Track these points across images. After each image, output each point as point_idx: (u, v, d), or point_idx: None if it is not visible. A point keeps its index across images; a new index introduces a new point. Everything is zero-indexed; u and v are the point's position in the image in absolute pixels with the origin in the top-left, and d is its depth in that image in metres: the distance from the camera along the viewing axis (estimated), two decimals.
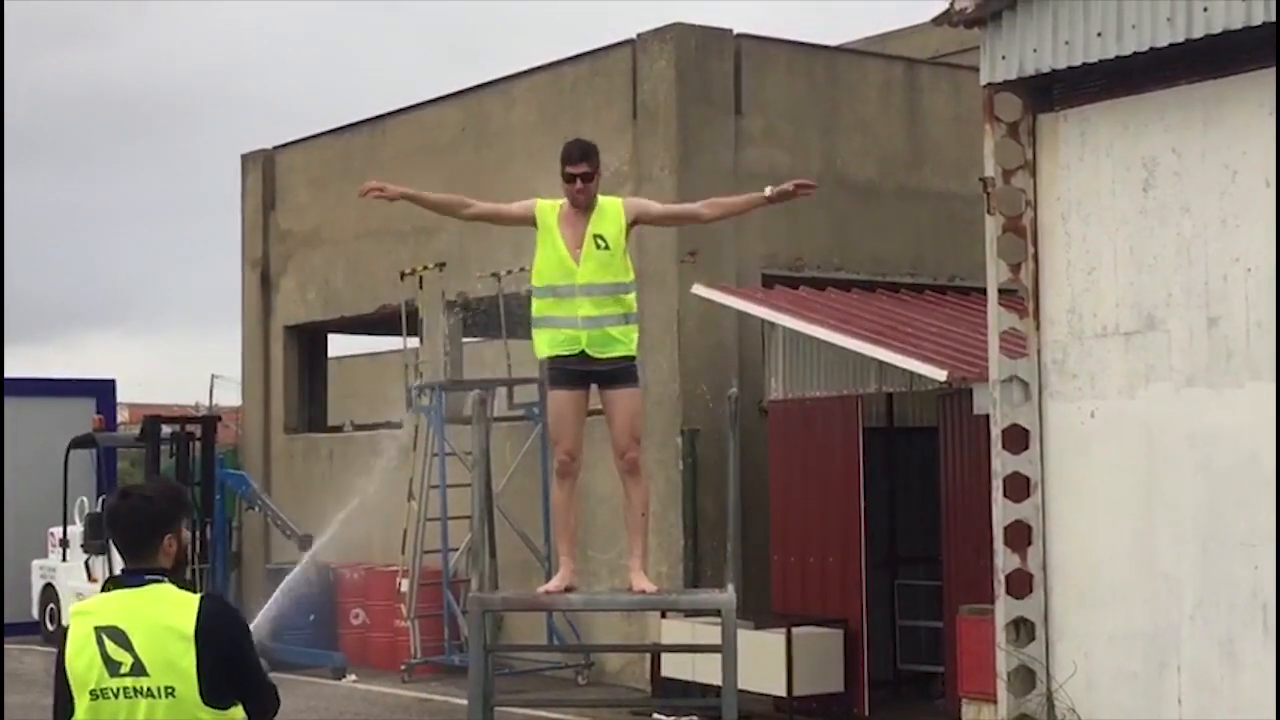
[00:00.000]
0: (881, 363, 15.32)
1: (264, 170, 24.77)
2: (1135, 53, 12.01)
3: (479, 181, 20.57)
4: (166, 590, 5.13)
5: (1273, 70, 11.49)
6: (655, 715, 15.93)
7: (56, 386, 26.13)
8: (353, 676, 19.51)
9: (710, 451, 17.54)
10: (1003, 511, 12.87)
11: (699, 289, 17.11)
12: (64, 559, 23.27)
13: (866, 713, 15.58)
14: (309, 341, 25.02)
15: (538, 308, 8.53)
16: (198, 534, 19.85)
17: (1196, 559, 11.97)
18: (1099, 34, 12.20)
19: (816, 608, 16.03)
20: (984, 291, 13.43)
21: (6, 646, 21.15)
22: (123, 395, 29.58)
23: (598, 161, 8.54)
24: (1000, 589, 12.86)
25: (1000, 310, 13.01)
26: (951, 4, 13.08)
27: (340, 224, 23.18)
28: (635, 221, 8.57)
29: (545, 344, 8.52)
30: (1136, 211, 12.39)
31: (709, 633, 14.47)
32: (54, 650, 5.32)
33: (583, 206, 8.48)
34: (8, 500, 23.76)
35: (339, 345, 29.28)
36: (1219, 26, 11.50)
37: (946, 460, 15.29)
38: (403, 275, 20.40)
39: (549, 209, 8.54)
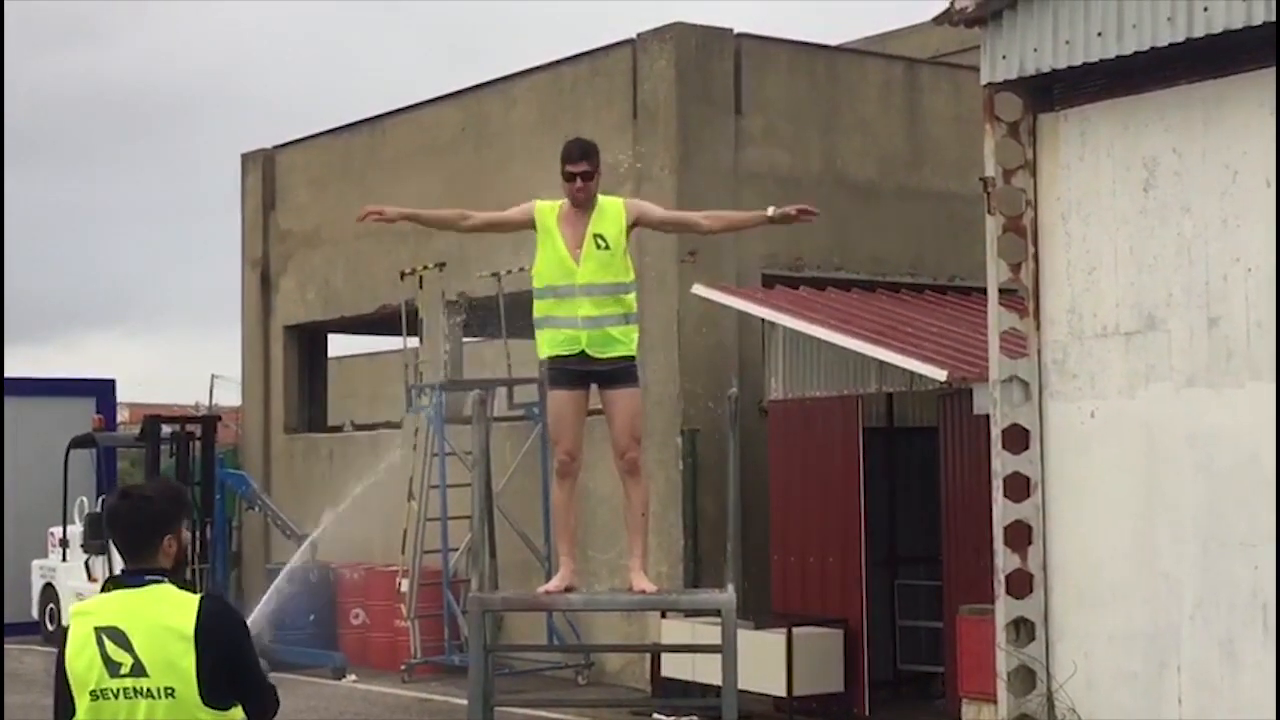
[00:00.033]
0: (882, 363, 15.32)
1: (264, 170, 24.78)
2: (1136, 52, 12.01)
3: (479, 182, 20.59)
4: (166, 591, 5.13)
5: (1273, 70, 11.49)
6: (655, 715, 15.93)
7: (56, 386, 26.12)
8: (353, 676, 19.51)
9: (710, 451, 17.54)
10: (1003, 511, 12.87)
11: (699, 289, 17.10)
12: (64, 559, 23.27)
13: (866, 713, 15.58)
14: (309, 341, 25.02)
15: (538, 308, 8.54)
16: (197, 534, 19.85)
17: (1197, 559, 11.96)
18: (1099, 34, 12.20)
19: (816, 608, 16.03)
20: (984, 291, 13.42)
21: (6, 646, 21.15)
22: (123, 395, 29.60)
23: (598, 160, 8.54)
24: (1000, 589, 12.86)
25: (1000, 310, 13.00)
26: (952, 3, 13.07)
27: (340, 224, 23.17)
28: (635, 223, 8.56)
29: (546, 344, 8.53)
30: (1137, 211, 12.38)
31: (709, 633, 14.47)
32: (54, 650, 5.32)
33: (583, 205, 8.48)
34: (8, 500, 23.76)
35: (339, 345, 29.29)
36: (1219, 26, 11.50)
37: (947, 460, 15.28)
38: (403, 275, 20.39)
39: (548, 210, 8.54)
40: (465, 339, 21.69)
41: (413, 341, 20.90)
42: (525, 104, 20.22)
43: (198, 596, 5.13)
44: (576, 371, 8.48)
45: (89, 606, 5.17)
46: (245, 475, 22.74)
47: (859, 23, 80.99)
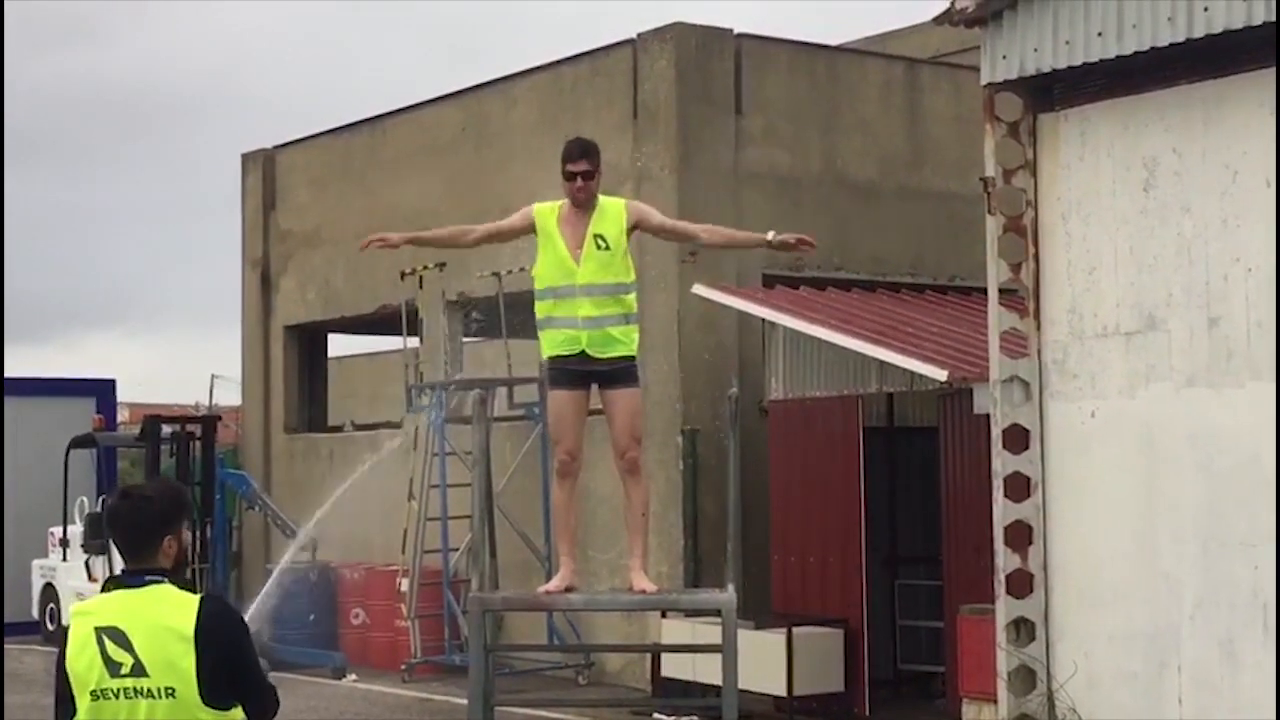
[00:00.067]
0: (882, 362, 15.32)
1: (264, 170, 24.78)
2: (1136, 52, 12.01)
3: (479, 181, 20.60)
4: (166, 591, 5.13)
5: (1273, 70, 11.49)
6: (656, 715, 15.93)
7: (57, 386, 26.12)
8: (353, 676, 19.51)
9: (710, 451, 17.54)
10: (1003, 511, 12.87)
11: (699, 289, 17.11)
12: (64, 559, 23.27)
13: (867, 712, 15.58)
14: (309, 341, 25.03)
15: (540, 309, 8.56)
16: (198, 534, 19.85)
17: (1197, 559, 11.96)
18: (1099, 34, 12.20)
19: (817, 607, 16.03)
20: (984, 291, 13.42)
21: (7, 646, 21.15)
22: (123, 395, 29.59)
23: (598, 160, 8.54)
24: (1001, 589, 12.86)
25: (1001, 310, 13.00)
26: (952, 3, 13.07)
27: (341, 224, 23.18)
28: (635, 226, 8.57)
29: (547, 344, 8.56)
30: (1137, 211, 12.38)
31: (709, 632, 14.47)
32: (54, 650, 5.33)
33: (583, 205, 8.49)
34: (8, 500, 23.76)
35: (339, 345, 29.30)
36: (1219, 26, 11.50)
37: (947, 460, 15.29)
38: (403, 275, 20.39)
39: (547, 212, 8.55)
40: (466, 339, 21.72)
41: (413, 341, 20.91)
42: (526, 104, 20.23)
43: (198, 597, 5.13)
44: (577, 371, 8.49)
45: (89, 606, 5.17)
46: (245, 475, 22.74)
47: (859, 23, 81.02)
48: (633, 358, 8.54)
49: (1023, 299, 13.00)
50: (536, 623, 18.35)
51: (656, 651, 16.19)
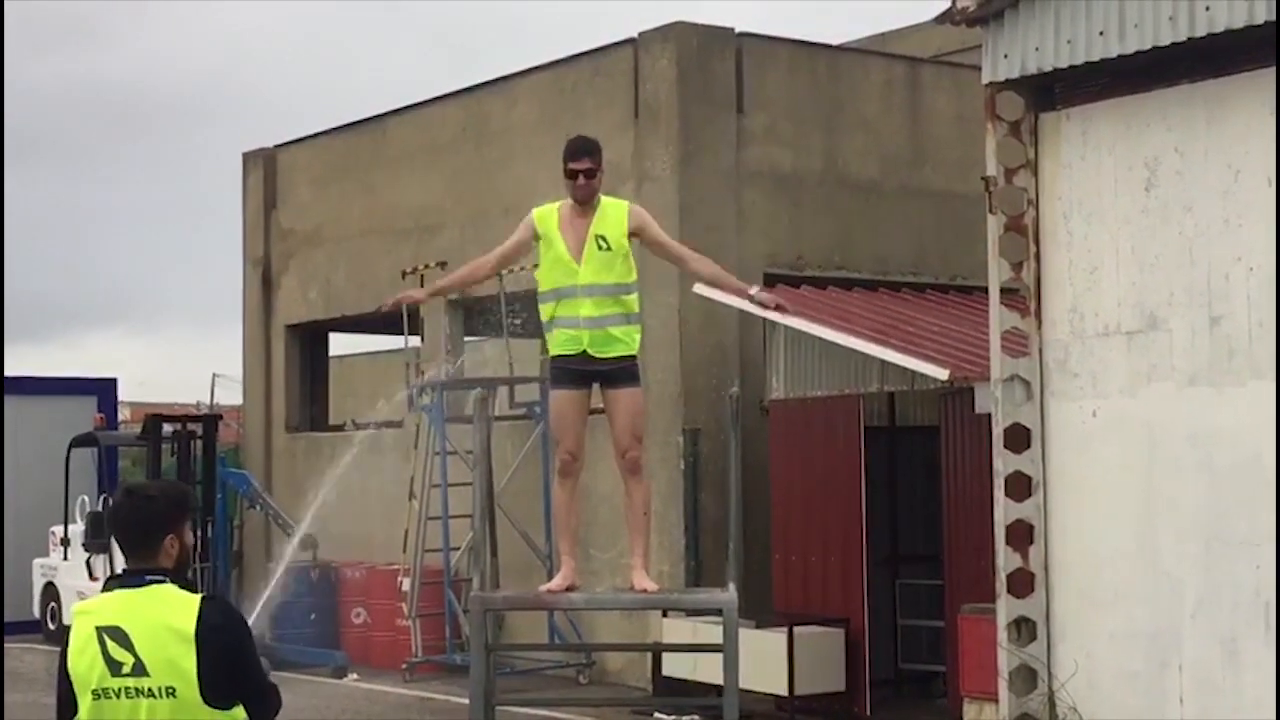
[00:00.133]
0: (883, 362, 15.31)
1: (265, 169, 24.78)
2: (1137, 52, 12.01)
3: (480, 181, 20.61)
4: (167, 590, 5.12)
5: (1275, 69, 11.48)
6: (656, 714, 15.93)
7: (58, 385, 26.13)
8: (354, 675, 19.52)
9: (712, 451, 17.54)
10: (1004, 511, 12.87)
11: (701, 288, 17.02)
12: (65, 558, 23.27)
13: (868, 712, 15.58)
14: (310, 340, 25.03)
15: (544, 311, 8.57)
16: (199, 533, 19.85)
17: (1198, 558, 11.96)
18: (1101, 33, 12.19)
19: (818, 607, 16.03)
20: (986, 291, 13.42)
21: (8, 645, 21.16)
22: (124, 394, 29.62)
23: (600, 158, 8.54)
24: (1002, 588, 12.85)
25: (1002, 309, 13.00)
26: (953, 3, 13.07)
27: (342, 223, 23.19)
28: (635, 233, 8.56)
29: (550, 345, 8.58)
30: (1138, 211, 12.38)
31: (710, 632, 14.47)
32: (55, 649, 5.34)
33: (585, 203, 8.50)
34: (9, 499, 23.77)
35: (340, 344, 29.28)
36: (1221, 25, 11.49)
37: (948, 459, 15.28)
38: (404, 274, 20.40)
39: (547, 215, 8.56)
40: (466, 338, 21.72)
41: (414, 340, 20.91)
42: (527, 103, 20.22)
43: (198, 596, 5.13)
44: (578, 371, 8.49)
45: (91, 606, 5.17)
46: (247, 474, 22.74)
47: (860, 22, 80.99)
48: (634, 357, 8.55)
49: (1024, 298, 13.00)
50: (537, 622, 18.35)
51: (657, 651, 16.19)
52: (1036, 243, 12.93)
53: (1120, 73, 12.38)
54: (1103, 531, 12.54)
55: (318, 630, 20.75)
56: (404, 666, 19.18)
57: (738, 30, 18.76)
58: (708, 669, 14.43)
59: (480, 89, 21.04)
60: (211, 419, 21.95)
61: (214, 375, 33.56)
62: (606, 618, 17.99)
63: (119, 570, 5.38)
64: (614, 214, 8.53)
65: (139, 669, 5.00)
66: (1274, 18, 11.21)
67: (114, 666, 5.01)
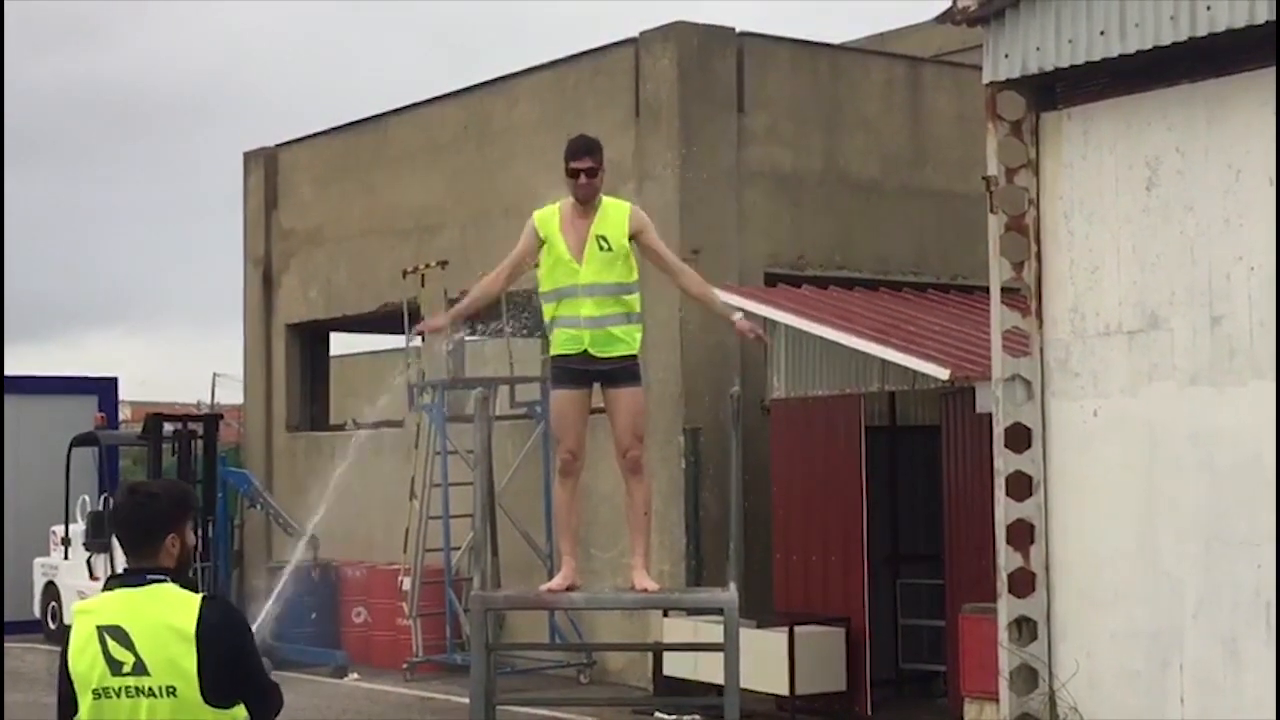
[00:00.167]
0: (884, 361, 15.31)
1: (266, 168, 24.78)
2: (1138, 51, 12.01)
3: (481, 180, 20.60)
4: (168, 590, 5.12)
5: (1275, 69, 11.48)
6: (657, 714, 15.93)
7: (58, 384, 26.13)
8: (355, 675, 19.52)
9: (712, 450, 17.53)
10: (1005, 510, 12.87)
11: None
12: (66, 557, 23.26)
13: (869, 712, 15.58)
14: (311, 340, 25.03)
15: (546, 311, 8.59)
16: (199, 532, 19.84)
17: (1199, 558, 11.96)
18: (1102, 32, 12.19)
19: (819, 606, 16.03)
20: (987, 290, 13.42)
21: (8, 645, 21.16)
22: (125, 393, 29.61)
23: (602, 157, 8.55)
24: (1002, 588, 12.85)
25: (1003, 309, 13.00)
26: (954, 2, 13.07)
27: (343, 222, 23.20)
28: (634, 236, 8.56)
29: (552, 344, 8.59)
30: (1139, 210, 12.38)
31: (711, 631, 14.46)
32: (55, 648, 5.34)
33: (586, 202, 8.50)
34: (10, 498, 23.77)
35: (341, 343, 29.28)
36: (1222, 25, 11.49)
37: (949, 459, 15.28)
38: (405, 273, 20.41)
39: (548, 218, 8.57)
40: (468, 337, 21.70)
41: (415, 340, 20.90)
42: (527, 103, 20.22)
43: (199, 596, 5.13)
44: (579, 370, 8.50)
45: (91, 605, 5.17)
46: (247, 473, 22.74)
47: (861, 22, 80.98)
48: (635, 357, 8.56)
49: (1025, 298, 13.00)
50: (538, 621, 18.35)
51: (658, 650, 16.19)
52: (1037, 242, 12.92)
53: (1121, 72, 12.38)
54: (1104, 531, 12.54)
55: (318, 630, 20.75)
56: (405, 666, 19.18)
57: (738, 30, 18.75)
58: (708, 668, 14.44)
59: (481, 89, 21.04)
60: (212, 418, 21.95)
61: (215, 375, 33.59)
62: (607, 617, 17.99)
63: (120, 569, 5.38)
64: (615, 215, 8.54)
65: (140, 668, 5.00)
66: (1274, 17, 11.21)
67: (115, 666, 5.01)
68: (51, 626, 23.33)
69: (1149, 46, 11.92)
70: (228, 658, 5.06)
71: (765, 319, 16.70)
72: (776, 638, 15.28)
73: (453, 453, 19.00)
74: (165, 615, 5.05)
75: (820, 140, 19.12)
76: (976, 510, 14.33)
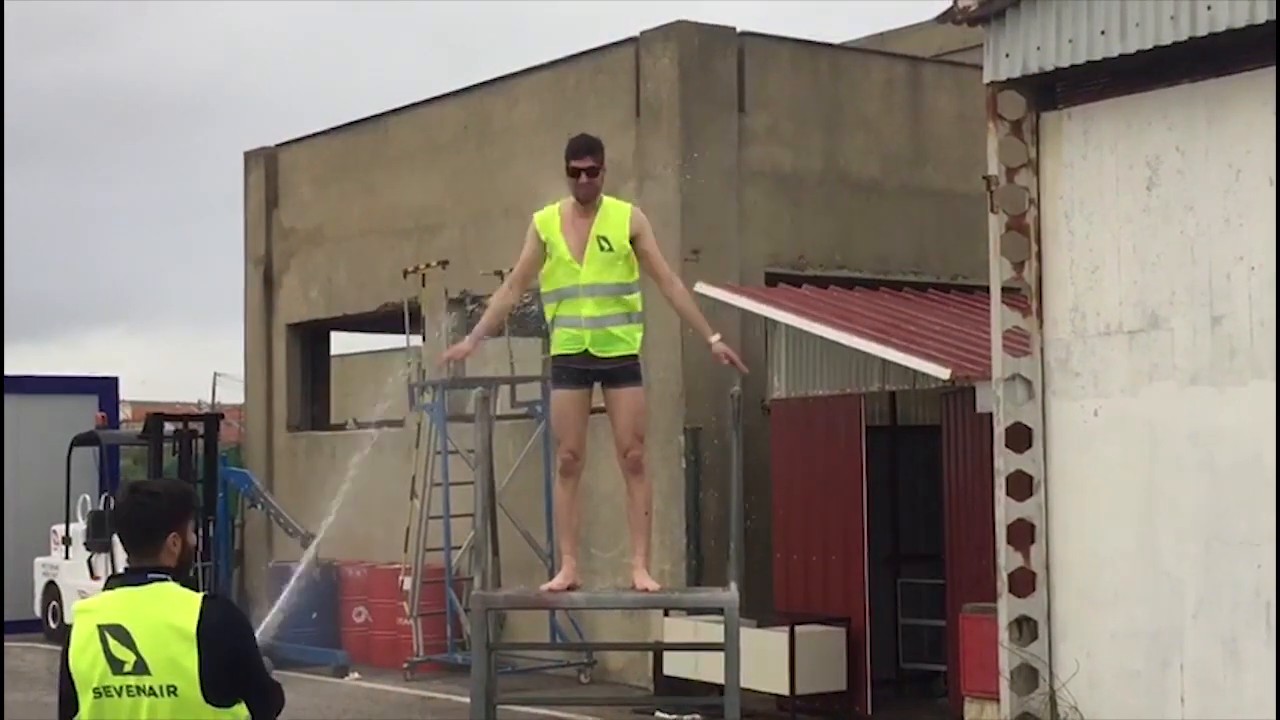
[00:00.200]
0: (884, 361, 15.31)
1: (266, 168, 24.79)
2: (1139, 51, 12.01)
3: (481, 180, 20.61)
4: (169, 589, 5.12)
5: (1275, 68, 11.48)
6: (658, 714, 15.94)
7: (59, 384, 26.14)
8: (355, 674, 19.52)
9: (713, 450, 17.54)
10: (1005, 510, 12.87)
11: (702, 287, 17.07)
12: (66, 556, 23.27)
13: (869, 711, 15.58)
14: (312, 339, 25.04)
15: (547, 311, 8.60)
16: (200, 532, 19.85)
17: (1199, 558, 11.96)
18: (1102, 32, 12.20)
19: (819, 606, 16.03)
20: (987, 290, 13.42)
21: (9, 644, 21.16)
22: (125, 393, 29.60)
23: (603, 156, 8.56)
24: (1003, 588, 12.86)
25: (1003, 309, 13.00)
26: (955, 2, 13.07)
27: (343, 222, 23.20)
28: (633, 238, 8.55)
29: (552, 344, 8.59)
30: (1140, 210, 12.38)
31: (712, 631, 14.47)
32: (56, 648, 5.34)
33: (587, 201, 8.51)
34: (10, 497, 23.77)
35: (342, 343, 29.29)
36: (1222, 25, 11.49)
37: (949, 458, 15.28)
38: (405, 273, 20.41)
39: (548, 220, 8.58)
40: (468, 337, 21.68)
41: (415, 339, 20.91)
42: (528, 102, 20.22)
43: (200, 595, 5.13)
44: (580, 370, 8.50)
45: (92, 604, 5.17)
46: (248, 473, 22.74)
47: (861, 22, 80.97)
48: (636, 357, 8.56)
49: (1025, 297, 13.00)
50: (539, 621, 18.35)
51: (659, 650, 16.20)
52: (1038, 242, 12.93)
53: (1121, 72, 12.38)
54: (1104, 531, 12.54)
55: (319, 629, 20.75)
56: (405, 665, 19.19)
57: (739, 30, 18.76)
58: (709, 668, 14.44)
59: (481, 88, 21.04)
60: (213, 418, 21.96)
61: (215, 374, 33.59)
62: (608, 617, 17.99)
63: (121, 569, 5.39)
64: (616, 215, 8.54)
65: (140, 667, 5.00)
66: (1275, 17, 11.21)
67: (115, 665, 5.01)
68: (52, 626, 23.34)
69: (1149, 46, 11.92)
70: (229, 657, 5.06)
71: (766, 319, 16.72)
72: (777, 637, 15.29)
73: (453, 452, 19.00)
74: (166, 614, 5.05)
75: (821, 140, 19.12)
76: (977, 510, 14.33)
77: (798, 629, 15.37)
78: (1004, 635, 12.82)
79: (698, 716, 15.44)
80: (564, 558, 8.82)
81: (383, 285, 22.02)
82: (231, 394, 30.80)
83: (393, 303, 21.43)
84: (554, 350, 8.61)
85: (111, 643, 5.02)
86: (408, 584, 19.47)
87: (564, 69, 19.78)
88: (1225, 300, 11.85)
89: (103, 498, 22.37)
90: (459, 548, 19.15)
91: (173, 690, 5.00)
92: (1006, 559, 12.84)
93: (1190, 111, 12.07)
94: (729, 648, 8.15)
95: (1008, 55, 12.82)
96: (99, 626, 5.06)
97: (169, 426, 21.30)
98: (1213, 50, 11.79)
